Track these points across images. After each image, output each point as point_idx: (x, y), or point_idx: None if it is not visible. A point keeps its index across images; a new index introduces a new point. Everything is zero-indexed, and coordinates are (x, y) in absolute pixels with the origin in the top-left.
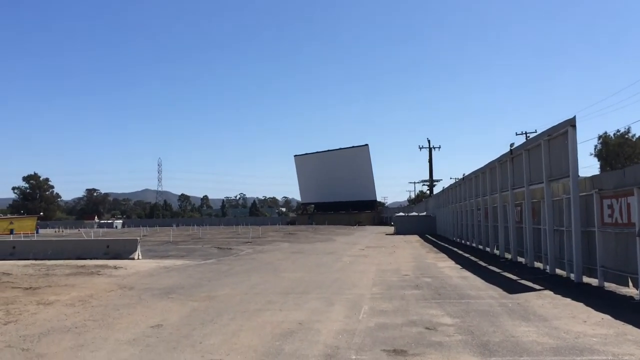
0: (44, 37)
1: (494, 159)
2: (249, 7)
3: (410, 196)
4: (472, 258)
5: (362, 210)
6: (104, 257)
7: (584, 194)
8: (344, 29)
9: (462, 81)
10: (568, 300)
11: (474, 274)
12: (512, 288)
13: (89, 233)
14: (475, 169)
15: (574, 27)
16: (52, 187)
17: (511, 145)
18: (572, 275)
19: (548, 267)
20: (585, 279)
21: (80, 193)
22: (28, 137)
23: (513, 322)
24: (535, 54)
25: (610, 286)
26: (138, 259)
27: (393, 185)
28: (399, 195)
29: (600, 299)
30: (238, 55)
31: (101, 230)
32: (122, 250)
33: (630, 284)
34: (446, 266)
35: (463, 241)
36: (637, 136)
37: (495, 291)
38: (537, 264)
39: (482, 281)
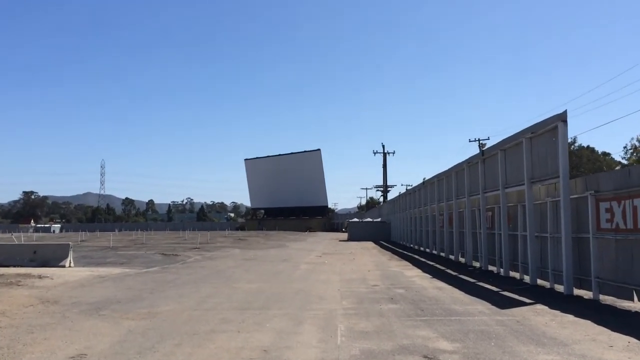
0: None
1: (456, 163)
2: (200, 5)
3: (360, 203)
4: (438, 266)
5: (313, 216)
6: (30, 264)
7: (574, 196)
8: (298, 30)
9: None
10: (571, 317)
11: (449, 284)
12: (499, 302)
13: (20, 237)
14: (428, 175)
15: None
16: None
17: (482, 145)
18: (558, 287)
19: (528, 277)
20: (576, 291)
21: (17, 196)
22: None
23: (527, 348)
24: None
25: (606, 299)
26: (70, 266)
27: (342, 191)
28: (348, 202)
29: (606, 315)
30: (187, 56)
31: (35, 234)
32: (51, 257)
33: (636, 297)
34: (415, 275)
35: (422, 248)
36: (581, 146)
37: (482, 305)
38: (513, 274)
39: (462, 293)
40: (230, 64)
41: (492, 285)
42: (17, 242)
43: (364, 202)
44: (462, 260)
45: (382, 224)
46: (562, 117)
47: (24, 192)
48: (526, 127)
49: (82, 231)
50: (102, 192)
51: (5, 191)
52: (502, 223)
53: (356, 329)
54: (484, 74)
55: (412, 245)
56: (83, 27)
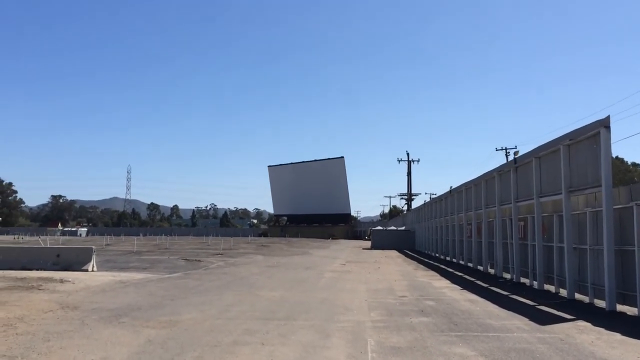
0: (7, 37)
1: (482, 173)
2: (223, 11)
3: (383, 211)
4: (467, 277)
5: (336, 223)
6: (53, 267)
7: (618, 206)
8: (322, 39)
9: (439, 96)
10: (618, 335)
11: (481, 296)
12: (538, 317)
13: (47, 241)
14: (452, 185)
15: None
16: (16, 192)
17: (515, 153)
18: (599, 302)
19: (565, 291)
20: (619, 307)
21: (45, 199)
22: None
23: None
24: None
25: None
26: (93, 270)
27: (364, 199)
28: (370, 210)
29: None
30: (211, 64)
31: (61, 238)
32: (74, 261)
33: None
34: (444, 286)
35: (448, 258)
36: None
37: (520, 320)
38: (547, 287)
39: (496, 306)
40: (255, 71)
41: (527, 299)
42: (42, 245)
43: (386, 210)
44: (492, 271)
45: (407, 233)
46: (604, 123)
47: (52, 196)
48: (563, 134)
49: (107, 235)
50: (127, 197)
51: (35, 195)
52: (536, 234)
53: (387, 344)
54: (509, 84)
55: (437, 255)
56: (110, 35)
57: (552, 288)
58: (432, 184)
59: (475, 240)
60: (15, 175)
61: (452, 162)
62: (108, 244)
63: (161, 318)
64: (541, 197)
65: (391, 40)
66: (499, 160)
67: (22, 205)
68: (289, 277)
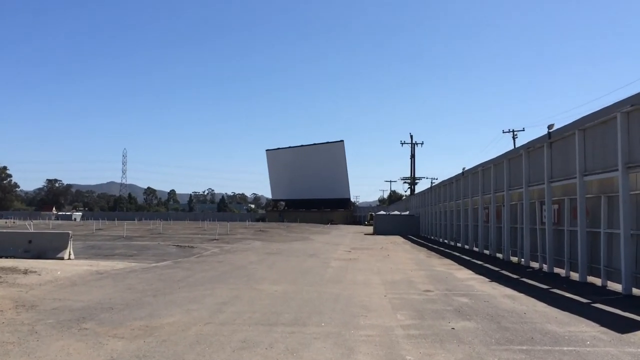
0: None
1: (491, 156)
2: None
3: (382, 196)
4: (489, 266)
5: (335, 208)
6: (24, 255)
7: None
8: (322, 25)
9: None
10: None
11: (519, 291)
12: (607, 321)
13: (38, 225)
14: (454, 170)
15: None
16: (10, 175)
17: (549, 127)
18: None
19: (621, 286)
20: None
21: (42, 184)
22: None
23: None
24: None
25: None
26: (69, 258)
27: (363, 184)
28: (369, 196)
29: None
30: (208, 48)
31: (55, 222)
32: (48, 247)
33: None
34: (468, 277)
35: (459, 244)
36: None
37: (589, 326)
38: (591, 279)
39: (547, 305)
40: (254, 56)
41: (573, 294)
42: (12, 230)
43: (385, 195)
44: (514, 259)
45: (411, 218)
46: None
47: (47, 180)
48: (621, 99)
49: (102, 220)
50: (124, 181)
51: (32, 179)
52: (579, 218)
53: None
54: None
55: (446, 241)
56: (107, 23)
57: (596, 281)
58: (434, 169)
59: (494, 225)
60: (10, 159)
61: (456, 147)
62: (99, 229)
63: (135, 323)
64: (586, 175)
65: (395, 26)
66: (505, 143)
67: (17, 189)
68: (291, 266)
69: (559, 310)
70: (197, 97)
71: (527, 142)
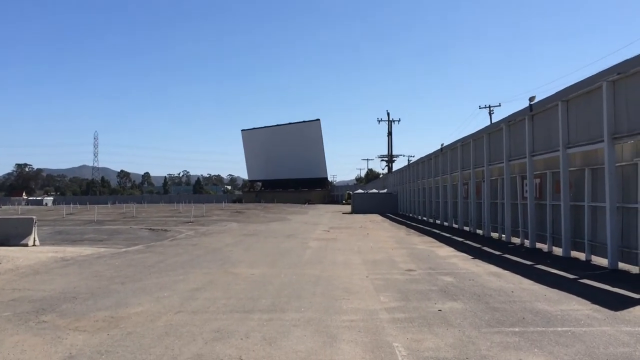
0: None
1: (467, 133)
2: None
3: (359, 174)
4: (470, 243)
5: (312, 188)
6: None
7: None
8: (296, 3)
9: (417, 57)
10: None
11: (504, 268)
12: (598, 298)
13: (9, 210)
14: (428, 147)
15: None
16: None
17: (531, 99)
18: None
19: (607, 260)
20: None
21: (11, 169)
22: None
23: None
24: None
25: None
26: (34, 245)
27: (340, 163)
28: (346, 175)
29: None
30: (182, 29)
31: (25, 207)
32: (11, 234)
33: None
34: (450, 255)
35: (439, 221)
36: None
37: (581, 304)
38: (575, 254)
39: (532, 282)
40: (230, 37)
41: (560, 270)
42: None
43: (362, 173)
44: (495, 235)
45: (389, 196)
46: None
47: (16, 164)
48: (606, 67)
49: (74, 204)
50: (95, 164)
51: (1, 164)
52: (562, 192)
53: (424, 350)
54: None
55: (424, 218)
56: (78, 5)
57: (580, 255)
58: (412, 147)
59: (474, 201)
60: None
61: (433, 123)
62: (70, 213)
63: (100, 313)
64: (569, 147)
65: (371, 2)
66: (482, 119)
67: None
68: (269, 248)
69: (546, 287)
70: (170, 78)
71: (507, 115)
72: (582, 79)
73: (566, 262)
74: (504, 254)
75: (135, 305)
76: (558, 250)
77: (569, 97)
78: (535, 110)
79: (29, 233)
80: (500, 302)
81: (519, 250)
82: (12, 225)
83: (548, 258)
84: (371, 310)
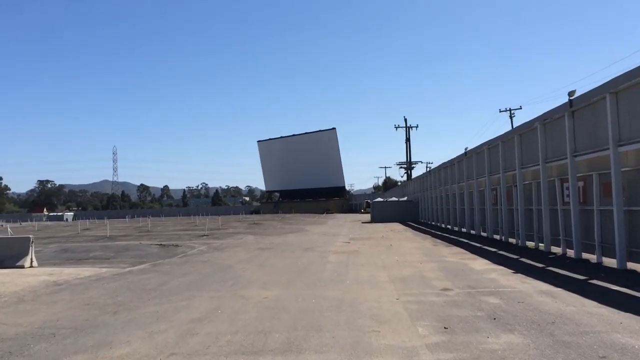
0: None
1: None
2: None
3: (376, 183)
4: (505, 253)
5: (330, 197)
6: None
7: None
8: (310, 12)
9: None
10: None
11: (554, 285)
12: None
13: (27, 227)
14: (447, 154)
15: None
16: (1, 178)
17: (571, 93)
18: None
19: None
20: None
21: (34, 185)
22: None
23: None
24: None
25: None
26: (31, 266)
27: (357, 172)
28: (363, 183)
29: None
30: (197, 42)
31: (43, 223)
32: (6, 255)
33: None
34: (487, 269)
35: (464, 229)
36: None
37: None
38: (631, 265)
39: (598, 305)
40: (245, 48)
41: (621, 286)
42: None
43: (380, 181)
44: (530, 244)
45: (409, 203)
46: None
47: (39, 181)
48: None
49: (92, 219)
50: (115, 179)
51: (24, 181)
52: (614, 195)
53: None
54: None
55: (448, 226)
56: (95, 20)
57: (638, 267)
58: (430, 153)
59: (504, 208)
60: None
61: (451, 130)
62: (86, 229)
63: (78, 357)
64: (620, 145)
65: (387, 10)
66: (501, 123)
67: (9, 191)
68: (285, 264)
69: (618, 311)
70: (186, 92)
71: (542, 113)
72: (632, 68)
73: (625, 276)
74: (547, 266)
75: (121, 345)
76: (609, 262)
77: (618, 88)
78: (576, 106)
79: (26, 254)
80: (568, 333)
81: (562, 261)
82: (8, 246)
83: (601, 271)
84: (409, 349)
